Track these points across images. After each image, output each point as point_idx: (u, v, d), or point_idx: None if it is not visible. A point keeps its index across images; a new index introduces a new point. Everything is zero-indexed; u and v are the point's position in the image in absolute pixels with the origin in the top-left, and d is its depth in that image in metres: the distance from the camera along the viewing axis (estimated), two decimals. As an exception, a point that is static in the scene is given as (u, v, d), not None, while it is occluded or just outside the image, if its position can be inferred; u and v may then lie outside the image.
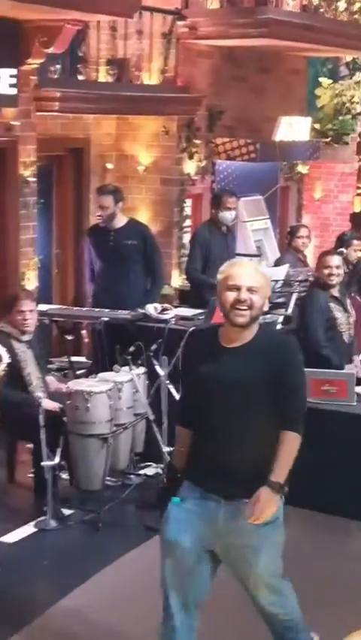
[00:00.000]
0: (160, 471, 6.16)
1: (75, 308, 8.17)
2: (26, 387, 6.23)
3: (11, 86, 7.51)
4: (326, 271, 6.71)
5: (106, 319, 7.03)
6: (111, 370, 6.15)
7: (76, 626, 4.69)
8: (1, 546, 5.59)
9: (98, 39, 9.03)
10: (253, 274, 3.76)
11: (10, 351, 5.92)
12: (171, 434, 5.41)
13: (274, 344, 3.83)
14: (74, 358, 7.65)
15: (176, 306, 7.71)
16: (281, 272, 7.79)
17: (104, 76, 9.13)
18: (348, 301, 6.96)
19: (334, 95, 12.16)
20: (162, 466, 6.02)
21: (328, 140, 12.19)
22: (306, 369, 4.11)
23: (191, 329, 6.25)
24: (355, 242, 8.25)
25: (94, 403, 5.92)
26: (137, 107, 9.10)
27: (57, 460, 5.90)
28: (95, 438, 5.89)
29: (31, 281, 8.02)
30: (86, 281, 8.02)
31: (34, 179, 7.97)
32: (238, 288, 3.71)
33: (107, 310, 7.29)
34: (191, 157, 9.70)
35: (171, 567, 3.78)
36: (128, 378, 6.15)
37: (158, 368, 6.02)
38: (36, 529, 5.82)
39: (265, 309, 3.79)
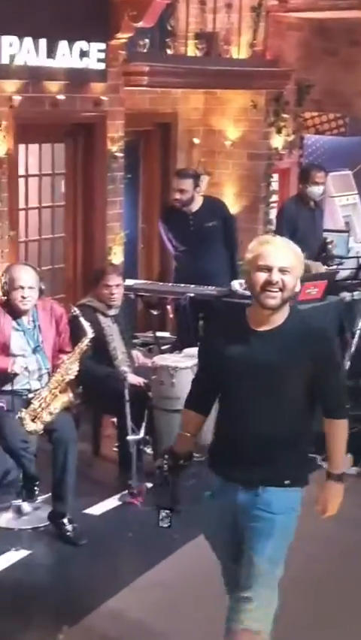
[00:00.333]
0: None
1: (160, 283, 8.20)
2: (112, 361, 6.28)
3: (100, 60, 7.52)
4: None
5: (191, 295, 7.02)
6: (196, 346, 6.16)
7: (162, 597, 4.76)
8: (87, 518, 5.67)
9: (188, 13, 8.98)
10: (285, 253, 3.54)
11: (97, 325, 5.98)
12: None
13: (310, 332, 3.59)
14: (158, 333, 7.68)
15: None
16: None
17: (192, 50, 9.08)
18: None
19: None
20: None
21: None
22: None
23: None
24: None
25: (179, 379, 5.95)
26: (225, 81, 9.03)
27: (142, 434, 5.95)
28: (179, 413, 5.89)
29: (117, 255, 8.06)
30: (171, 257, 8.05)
31: (122, 154, 7.98)
32: (269, 269, 3.49)
33: (192, 286, 7.29)
34: (279, 131, 9.59)
35: (222, 558, 3.80)
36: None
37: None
38: (120, 503, 5.88)
39: (297, 289, 3.58)
